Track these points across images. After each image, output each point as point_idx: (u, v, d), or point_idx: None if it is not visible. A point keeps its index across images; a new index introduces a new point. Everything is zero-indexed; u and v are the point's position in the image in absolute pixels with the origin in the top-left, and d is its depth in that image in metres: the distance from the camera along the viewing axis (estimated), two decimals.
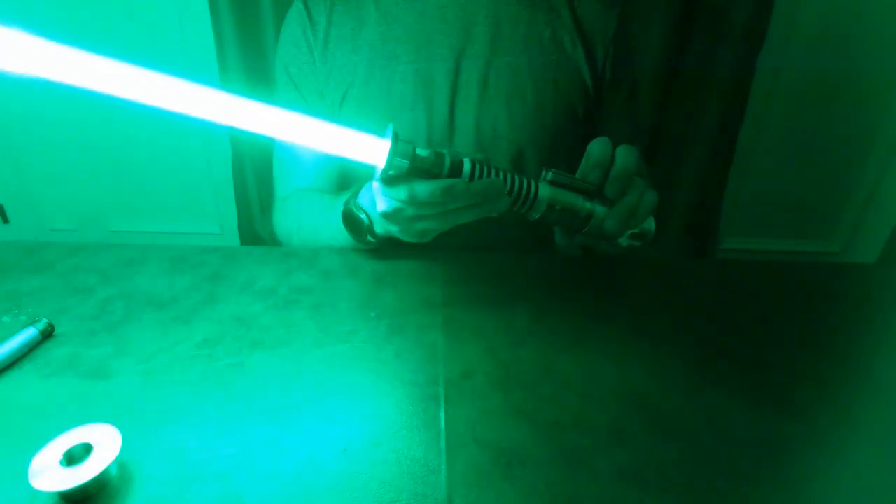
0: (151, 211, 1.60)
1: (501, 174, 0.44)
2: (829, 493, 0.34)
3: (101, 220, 1.63)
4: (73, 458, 0.31)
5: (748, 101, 1.34)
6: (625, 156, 0.47)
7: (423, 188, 0.42)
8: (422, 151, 0.42)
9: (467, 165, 0.43)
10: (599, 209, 0.48)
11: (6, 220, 1.63)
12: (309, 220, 0.64)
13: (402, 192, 0.43)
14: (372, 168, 0.44)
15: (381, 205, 0.46)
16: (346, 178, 0.71)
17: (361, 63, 0.65)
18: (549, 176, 0.46)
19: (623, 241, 0.52)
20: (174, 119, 0.37)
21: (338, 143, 0.41)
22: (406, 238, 0.49)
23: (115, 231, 1.64)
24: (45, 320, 0.44)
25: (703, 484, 0.34)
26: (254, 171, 1.37)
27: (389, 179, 0.43)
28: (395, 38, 0.64)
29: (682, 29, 1.26)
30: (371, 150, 0.42)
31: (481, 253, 0.58)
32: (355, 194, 0.55)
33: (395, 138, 0.41)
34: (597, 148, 0.47)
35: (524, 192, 0.45)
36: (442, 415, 0.38)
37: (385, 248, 0.58)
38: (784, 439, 0.38)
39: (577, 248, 0.60)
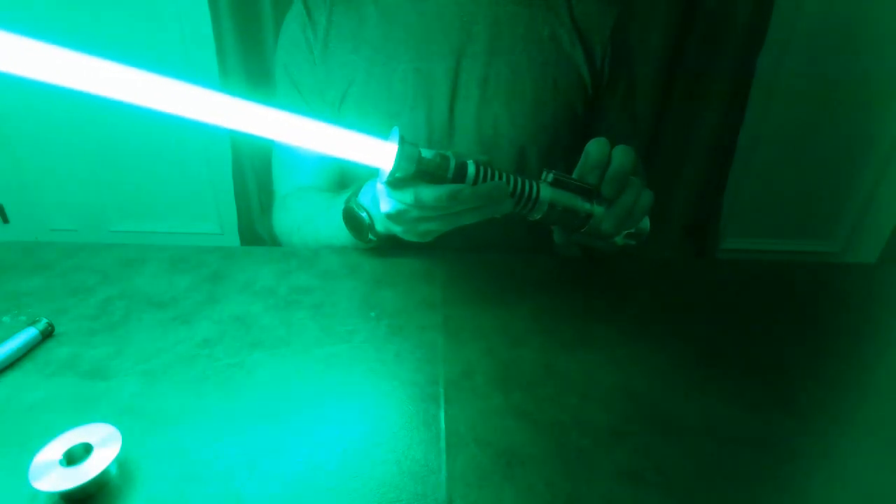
0: (151, 211, 1.60)
1: (505, 177, 0.44)
2: (829, 493, 0.34)
3: (101, 220, 1.63)
4: (73, 458, 0.31)
5: (748, 101, 1.34)
6: (621, 156, 0.47)
7: (429, 193, 0.42)
8: (427, 154, 0.42)
9: (471, 168, 0.43)
10: (598, 209, 0.48)
11: (6, 220, 1.63)
12: (309, 219, 0.64)
13: (407, 195, 0.43)
14: (373, 167, 0.44)
15: (385, 206, 0.46)
16: (346, 176, 0.71)
17: (361, 62, 0.65)
18: (550, 177, 0.46)
19: (619, 240, 0.52)
20: (174, 119, 0.37)
21: (342, 146, 0.41)
22: (408, 238, 0.49)
23: (115, 231, 1.64)
24: (45, 320, 0.44)
25: (703, 484, 0.34)
26: (254, 170, 1.37)
27: (395, 182, 0.43)
28: (395, 37, 0.64)
29: (682, 29, 1.26)
30: (377, 152, 0.41)
31: (481, 253, 0.58)
32: (356, 193, 0.55)
33: (402, 141, 0.41)
34: (595, 148, 0.47)
35: (526, 193, 0.45)
36: (442, 415, 0.38)
37: (385, 248, 0.58)
38: (784, 439, 0.38)
39: (575, 247, 0.60)
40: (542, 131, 0.66)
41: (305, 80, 0.68)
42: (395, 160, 0.41)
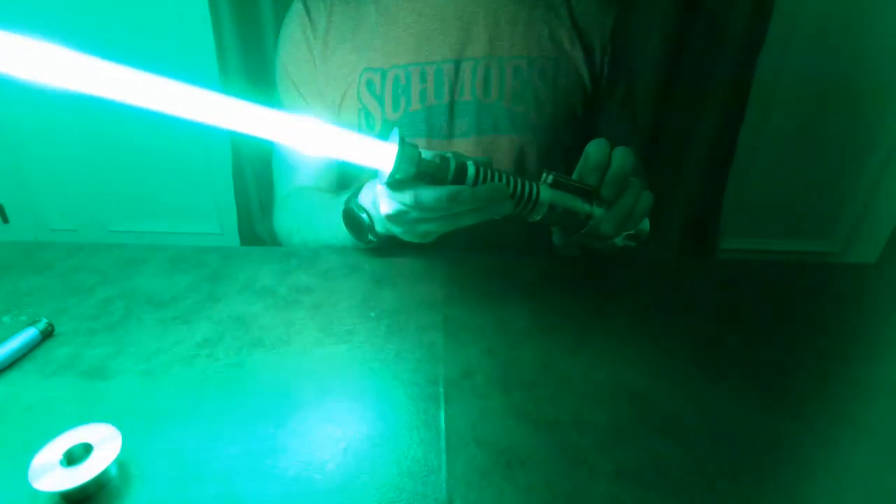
0: (151, 211, 1.60)
1: (504, 178, 0.44)
2: (829, 493, 0.34)
3: (100, 220, 1.62)
4: (73, 458, 0.31)
5: (748, 101, 1.34)
6: (621, 158, 0.47)
7: (430, 194, 0.42)
8: (427, 155, 0.42)
9: (471, 170, 0.43)
10: (598, 210, 0.48)
11: (6, 220, 1.63)
12: (309, 220, 0.64)
13: (407, 196, 0.43)
14: (373, 168, 0.44)
15: (386, 207, 0.46)
16: (347, 176, 0.71)
17: (361, 63, 0.65)
18: (550, 179, 0.46)
19: (619, 241, 0.52)
20: (174, 120, 0.37)
21: (343, 147, 0.41)
22: (408, 238, 0.49)
23: (115, 231, 1.64)
24: (45, 320, 0.44)
25: (703, 484, 0.34)
26: (254, 170, 1.37)
27: (395, 184, 0.43)
28: (394, 37, 0.64)
29: (682, 29, 1.26)
30: (377, 154, 0.41)
31: (481, 253, 0.58)
32: (356, 193, 0.55)
33: (402, 143, 0.41)
34: (594, 150, 0.47)
35: (526, 195, 0.45)
36: (442, 415, 0.38)
37: (385, 248, 0.58)
38: (784, 439, 0.38)
39: (575, 247, 0.60)
40: (542, 131, 0.66)
41: (305, 80, 0.68)
42: (396, 161, 0.40)
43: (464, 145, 0.65)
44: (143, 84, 0.33)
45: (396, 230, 0.49)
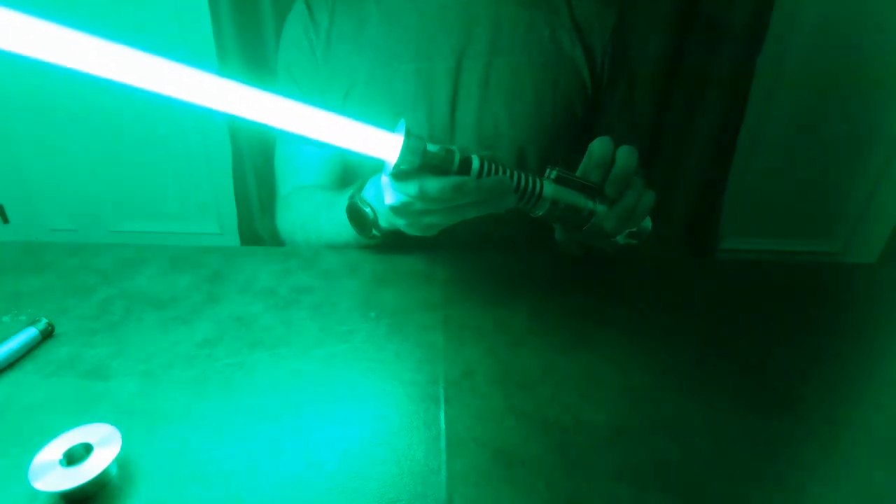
0: (151, 211, 1.60)
1: (508, 172, 0.45)
2: (829, 493, 0.34)
3: (101, 220, 1.62)
4: (73, 458, 0.31)
5: (748, 100, 1.34)
6: (625, 157, 0.47)
7: (434, 185, 0.42)
8: (432, 147, 0.42)
9: (476, 163, 0.43)
10: (600, 208, 0.48)
11: (6, 220, 1.63)
12: (312, 217, 0.64)
13: (412, 187, 0.43)
14: (377, 162, 0.44)
15: (390, 198, 0.46)
16: (349, 174, 0.71)
17: (363, 63, 0.65)
18: (554, 174, 0.47)
19: (620, 239, 0.52)
20: (174, 119, 0.36)
21: (350, 137, 0.41)
22: (411, 231, 0.49)
23: (115, 231, 1.64)
24: (45, 320, 0.44)
25: (703, 484, 0.34)
26: (254, 170, 1.37)
27: (400, 174, 0.43)
28: (396, 37, 0.65)
29: (682, 28, 1.26)
30: (383, 144, 0.42)
31: (481, 253, 0.58)
32: (359, 189, 0.55)
33: (408, 134, 0.41)
34: (598, 147, 0.47)
35: (530, 189, 0.45)
36: (442, 415, 0.38)
37: (385, 248, 0.58)
38: (784, 439, 0.38)
39: (576, 245, 0.60)
40: (542, 131, 0.66)
41: (308, 80, 0.68)
42: (401, 152, 0.41)
43: (465, 145, 0.65)
44: (147, 66, 0.32)
45: (400, 223, 0.49)
